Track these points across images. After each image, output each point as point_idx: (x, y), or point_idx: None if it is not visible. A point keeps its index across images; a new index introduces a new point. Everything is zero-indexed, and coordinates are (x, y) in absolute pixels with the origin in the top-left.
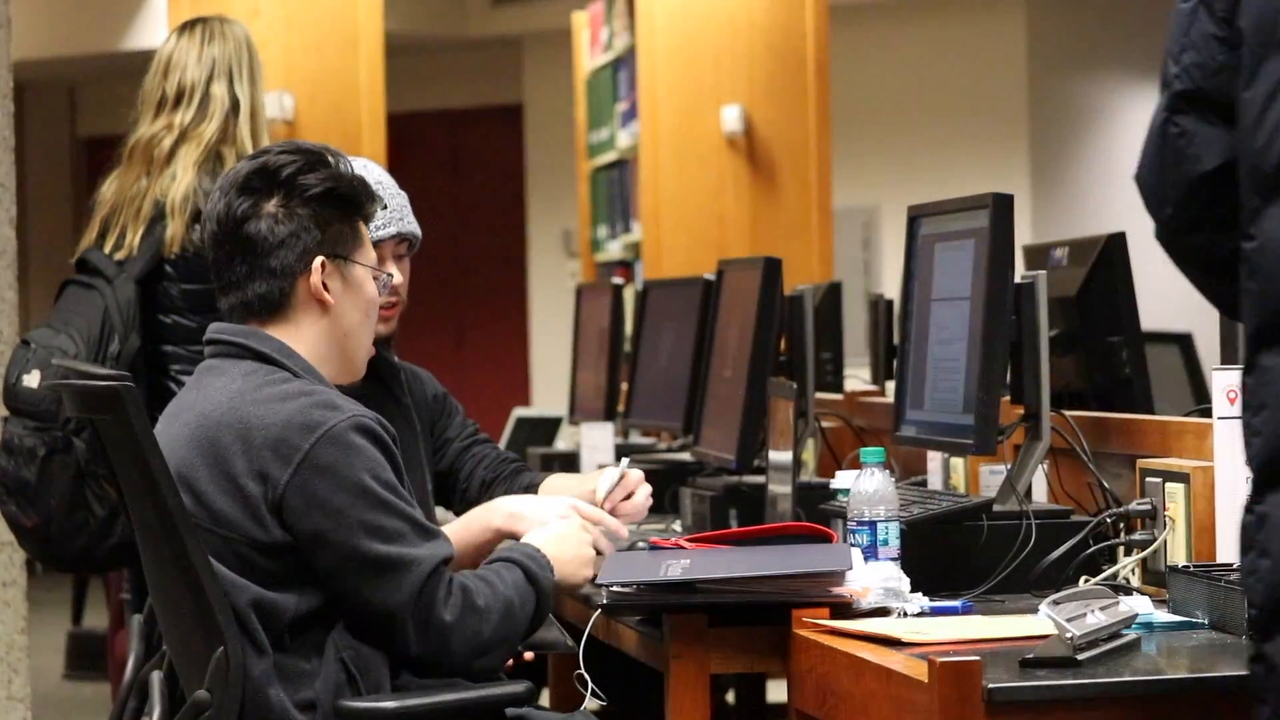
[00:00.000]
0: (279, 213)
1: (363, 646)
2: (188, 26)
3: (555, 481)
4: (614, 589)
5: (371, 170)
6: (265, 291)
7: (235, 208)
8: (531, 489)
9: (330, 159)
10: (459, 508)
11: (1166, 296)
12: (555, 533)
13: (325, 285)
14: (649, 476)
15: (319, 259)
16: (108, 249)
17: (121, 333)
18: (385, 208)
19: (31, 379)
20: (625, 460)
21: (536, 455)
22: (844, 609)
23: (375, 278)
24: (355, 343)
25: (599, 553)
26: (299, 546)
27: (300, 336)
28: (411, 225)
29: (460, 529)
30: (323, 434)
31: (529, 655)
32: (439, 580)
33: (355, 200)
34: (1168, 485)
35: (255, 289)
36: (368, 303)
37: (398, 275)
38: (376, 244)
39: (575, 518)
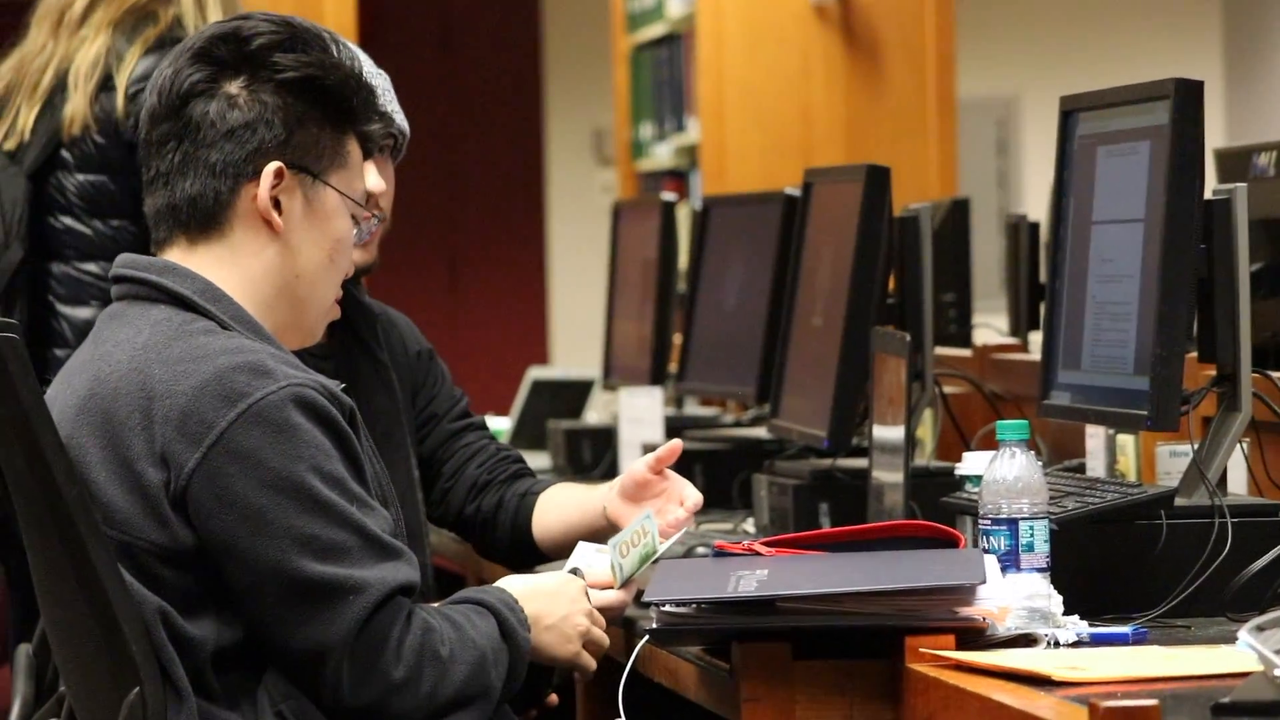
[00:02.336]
0: (240, 95)
1: (304, 696)
2: None
3: (557, 495)
4: (667, 609)
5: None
6: (197, 193)
7: (184, 78)
8: (529, 499)
9: (329, 45)
10: (436, 510)
11: None
12: (543, 588)
13: (278, 203)
14: (712, 458)
15: (275, 164)
16: None
17: (1, 240)
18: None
19: None
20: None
21: (560, 430)
22: (975, 636)
23: (355, 216)
24: (310, 292)
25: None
26: (209, 556)
27: (238, 265)
28: (398, 115)
29: None
30: (247, 408)
31: (553, 698)
32: (394, 614)
33: (345, 105)
34: None
35: (186, 188)
36: (335, 242)
37: (378, 180)
38: None
39: (579, 583)
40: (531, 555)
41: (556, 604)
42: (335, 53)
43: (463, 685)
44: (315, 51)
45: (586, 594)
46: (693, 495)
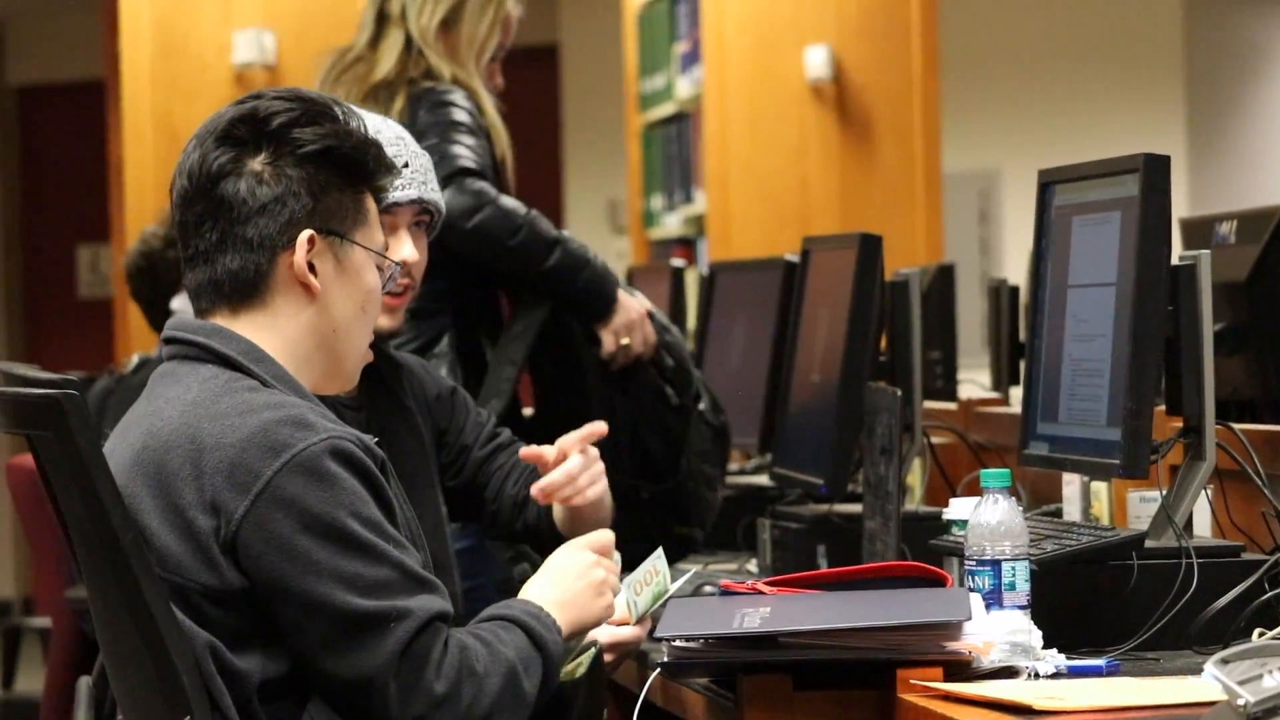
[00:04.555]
0: (264, 172)
1: None
2: None
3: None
4: (677, 644)
5: (390, 128)
6: (238, 268)
7: (211, 161)
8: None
9: (338, 113)
10: (491, 532)
11: None
12: (549, 575)
13: (312, 267)
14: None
15: (307, 232)
16: None
17: None
18: (407, 166)
19: None
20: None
21: None
22: (961, 669)
23: (380, 266)
24: (347, 343)
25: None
26: (258, 596)
27: (278, 330)
28: (434, 193)
29: None
30: (290, 459)
31: None
32: (433, 639)
33: (361, 166)
34: None
35: (226, 264)
36: (365, 294)
37: (412, 251)
38: (389, 210)
39: (572, 551)
40: None
41: (567, 578)
42: (344, 119)
43: (497, 697)
44: (328, 123)
45: (590, 549)
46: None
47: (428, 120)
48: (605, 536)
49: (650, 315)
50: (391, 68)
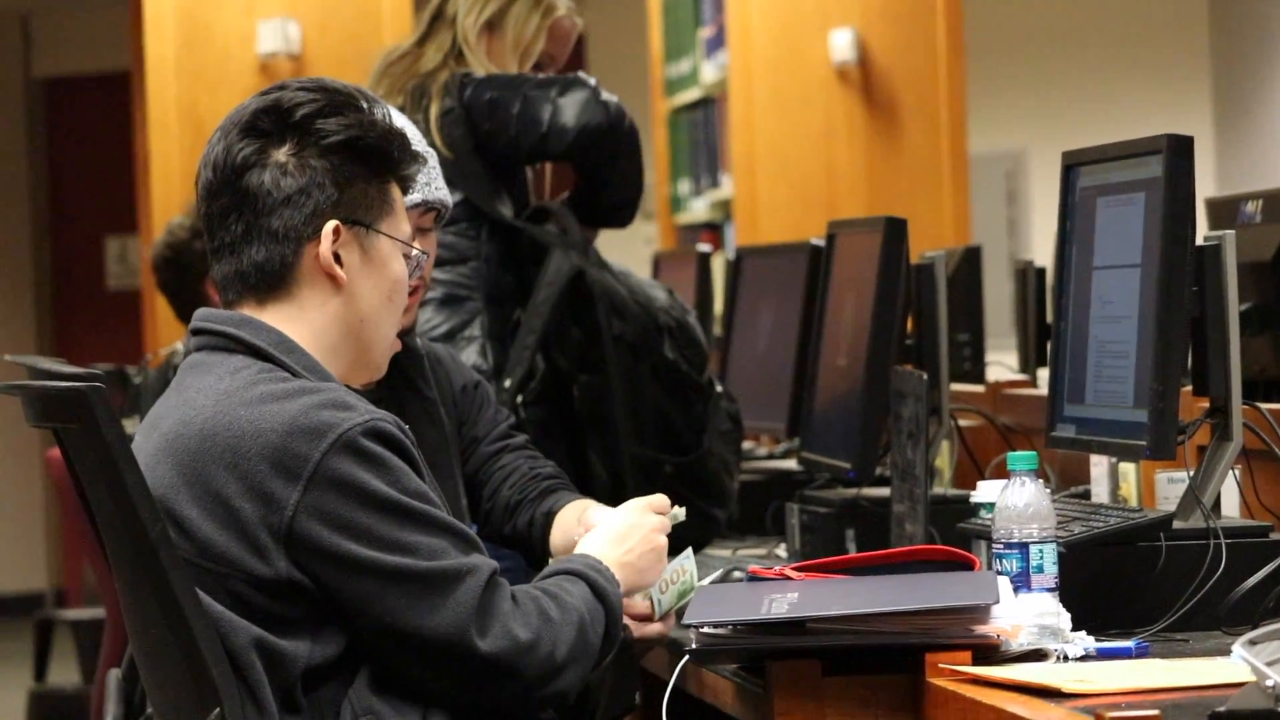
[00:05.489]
0: (289, 163)
1: (385, 707)
2: None
3: (565, 515)
4: (705, 630)
5: (395, 120)
6: (264, 259)
7: (236, 152)
8: (550, 518)
9: (362, 103)
10: (483, 530)
11: None
12: (616, 532)
13: (338, 257)
14: (746, 488)
15: (332, 223)
16: None
17: None
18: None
19: None
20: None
21: None
22: (989, 652)
23: (405, 255)
24: (374, 332)
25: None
26: (318, 580)
27: (305, 320)
28: (439, 191)
29: None
30: (336, 439)
31: None
32: (501, 589)
33: (386, 156)
34: None
35: (252, 255)
36: (393, 284)
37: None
38: None
39: (641, 507)
40: None
41: (632, 538)
42: (369, 109)
43: (572, 645)
44: (352, 113)
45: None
46: None
47: (486, 91)
48: (663, 500)
49: (669, 294)
50: (434, 65)
